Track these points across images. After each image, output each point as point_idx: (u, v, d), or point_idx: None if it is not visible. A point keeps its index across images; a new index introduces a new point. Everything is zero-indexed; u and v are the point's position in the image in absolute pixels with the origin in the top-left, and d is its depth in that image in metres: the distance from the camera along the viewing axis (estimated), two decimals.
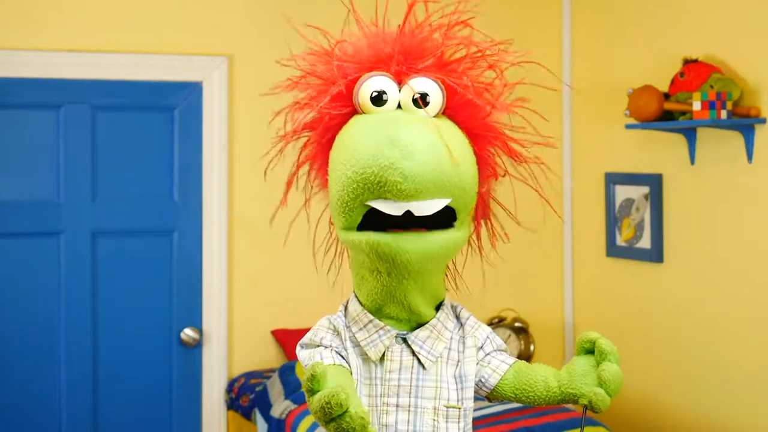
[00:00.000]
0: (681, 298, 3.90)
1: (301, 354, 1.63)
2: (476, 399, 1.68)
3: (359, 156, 1.46)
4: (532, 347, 4.32)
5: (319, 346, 1.60)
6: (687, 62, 3.67)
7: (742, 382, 3.63)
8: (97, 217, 3.97)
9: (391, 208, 1.46)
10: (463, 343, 1.63)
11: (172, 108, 4.06)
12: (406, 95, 1.53)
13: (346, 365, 1.57)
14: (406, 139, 1.43)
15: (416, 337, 1.59)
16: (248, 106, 4.13)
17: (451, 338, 1.63)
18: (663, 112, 3.74)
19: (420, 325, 1.61)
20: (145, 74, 4.01)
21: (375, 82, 1.53)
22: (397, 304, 1.57)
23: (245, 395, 3.94)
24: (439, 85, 1.53)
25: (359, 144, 1.47)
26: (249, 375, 4.06)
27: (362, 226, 1.51)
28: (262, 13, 4.16)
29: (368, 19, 1.63)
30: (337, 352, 1.58)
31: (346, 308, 1.65)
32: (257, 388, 3.90)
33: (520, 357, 4.28)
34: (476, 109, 1.57)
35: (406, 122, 1.47)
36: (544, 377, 1.63)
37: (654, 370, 4.06)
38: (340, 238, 1.57)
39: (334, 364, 1.55)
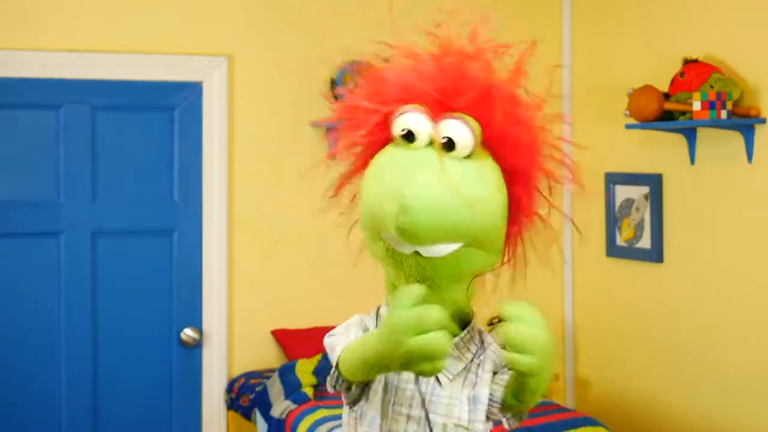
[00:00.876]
0: (681, 298, 3.91)
1: (329, 340, 1.62)
2: (494, 423, 1.68)
3: (370, 195, 1.51)
4: None
5: (346, 336, 1.61)
6: (687, 62, 3.67)
7: (742, 382, 3.64)
8: (97, 217, 3.96)
9: (402, 247, 1.50)
10: (482, 367, 1.64)
11: (172, 108, 4.06)
12: (436, 135, 1.51)
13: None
14: (408, 193, 1.45)
15: None
16: (248, 106, 4.13)
17: (472, 360, 1.63)
18: (663, 112, 3.74)
19: None
20: (145, 74, 4.00)
21: (407, 118, 1.52)
22: None
23: (245, 395, 3.94)
24: (469, 126, 1.51)
25: (373, 183, 1.52)
26: (249, 375, 4.06)
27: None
28: (262, 13, 4.16)
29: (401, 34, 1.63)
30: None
31: (377, 313, 1.67)
32: (257, 388, 3.90)
33: None
34: (514, 145, 1.56)
35: (417, 171, 1.48)
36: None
37: (654, 370, 4.06)
38: (369, 249, 1.60)
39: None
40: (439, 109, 1.53)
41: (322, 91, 4.10)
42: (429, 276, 1.53)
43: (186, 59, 4.05)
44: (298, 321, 4.18)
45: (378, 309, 1.68)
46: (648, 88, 3.77)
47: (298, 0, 4.20)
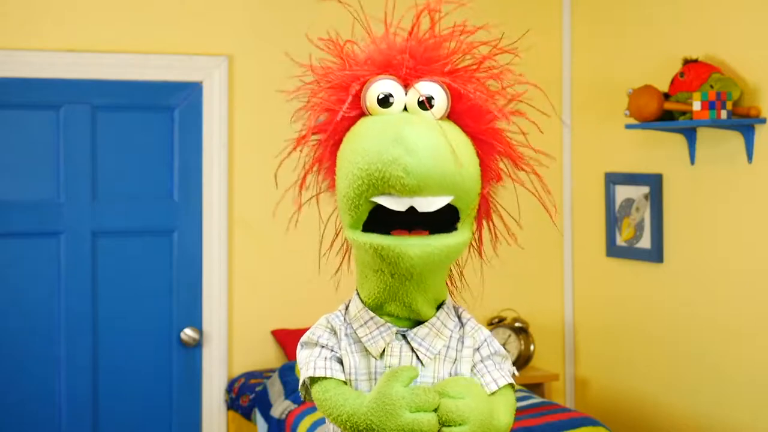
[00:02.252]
0: (681, 298, 3.91)
1: (301, 354, 1.68)
2: None
3: (365, 153, 1.51)
4: (532, 347, 4.32)
5: (316, 344, 1.65)
6: (687, 62, 3.67)
7: (742, 382, 3.64)
8: (97, 217, 3.97)
9: (395, 204, 1.50)
10: (462, 342, 1.66)
11: (172, 108, 4.06)
12: (412, 98, 1.57)
13: (341, 374, 1.62)
14: (409, 136, 1.48)
15: (415, 334, 1.62)
16: (248, 106, 4.13)
17: (451, 336, 1.65)
18: (663, 112, 3.74)
19: (419, 323, 1.64)
20: (145, 74, 4.01)
21: (382, 85, 1.58)
22: (399, 303, 1.61)
23: (245, 395, 3.94)
24: (444, 90, 1.57)
25: (365, 142, 1.52)
26: (249, 375, 4.06)
27: (367, 227, 1.55)
28: (262, 13, 4.16)
29: (374, 23, 1.66)
30: (333, 357, 1.63)
31: (347, 307, 1.69)
32: (257, 388, 3.90)
33: (520, 357, 4.28)
34: (480, 115, 1.60)
35: (411, 122, 1.52)
36: None
37: (654, 370, 4.06)
38: (347, 236, 1.61)
39: (332, 379, 1.61)
40: (409, 79, 1.58)
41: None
42: (414, 268, 1.54)
43: (186, 59, 4.05)
44: (298, 321, 4.18)
45: (347, 305, 1.69)
46: (648, 88, 3.77)
47: (299, 1, 4.20)
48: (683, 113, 3.69)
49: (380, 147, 1.49)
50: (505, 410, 1.61)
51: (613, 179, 4.24)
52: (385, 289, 1.59)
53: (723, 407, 3.72)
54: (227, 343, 4.13)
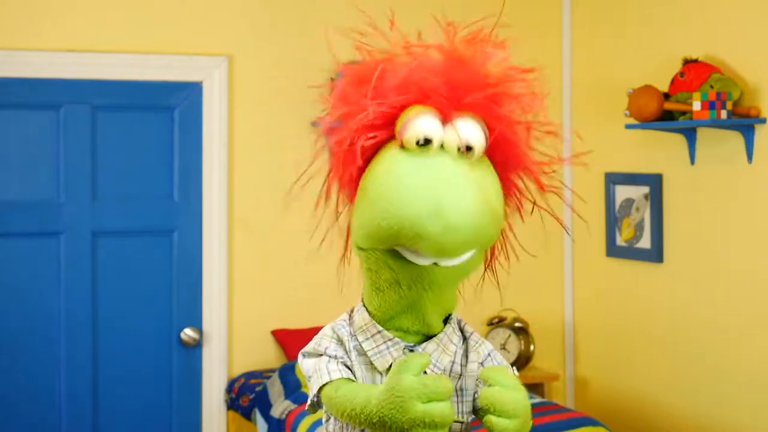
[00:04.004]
0: (681, 298, 3.91)
1: (305, 363, 1.62)
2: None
3: (398, 212, 1.44)
4: (532, 347, 4.32)
5: (322, 355, 1.60)
6: (687, 62, 3.67)
7: (742, 382, 3.64)
8: (97, 217, 3.97)
9: (419, 259, 1.49)
10: (466, 357, 1.64)
11: (172, 108, 4.06)
12: (449, 138, 1.49)
13: (353, 378, 1.58)
14: (451, 212, 1.42)
15: (424, 349, 1.59)
16: (248, 106, 4.13)
17: (456, 352, 1.63)
18: (663, 112, 3.74)
19: (426, 337, 1.61)
20: (145, 74, 4.01)
21: (423, 124, 1.48)
22: (412, 316, 1.58)
23: (245, 395, 3.94)
24: (483, 130, 1.50)
25: (401, 197, 1.45)
26: (249, 375, 4.06)
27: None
28: (262, 13, 4.16)
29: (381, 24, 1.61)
30: (343, 363, 1.59)
31: (350, 317, 1.65)
32: (257, 388, 3.90)
33: (520, 357, 4.28)
34: (513, 145, 1.55)
35: (454, 189, 1.44)
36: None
37: (654, 370, 4.06)
38: (360, 254, 1.57)
39: (344, 378, 1.56)
40: (444, 107, 1.50)
41: (323, 91, 4.10)
42: (435, 281, 1.53)
43: (186, 59, 4.05)
44: (298, 321, 4.18)
45: (351, 313, 1.65)
46: (648, 88, 3.77)
47: (299, 1, 4.20)
48: (683, 113, 3.69)
49: (416, 212, 1.42)
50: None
51: (613, 179, 4.24)
52: (399, 302, 1.56)
53: (723, 407, 3.72)
54: (227, 343, 4.13)
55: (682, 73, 3.67)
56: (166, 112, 4.06)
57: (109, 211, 3.99)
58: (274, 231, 4.16)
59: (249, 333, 4.16)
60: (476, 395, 1.64)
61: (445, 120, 1.50)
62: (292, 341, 4.10)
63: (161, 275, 4.06)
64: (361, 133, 1.52)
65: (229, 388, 4.07)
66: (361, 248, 1.55)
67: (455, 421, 1.59)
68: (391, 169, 1.49)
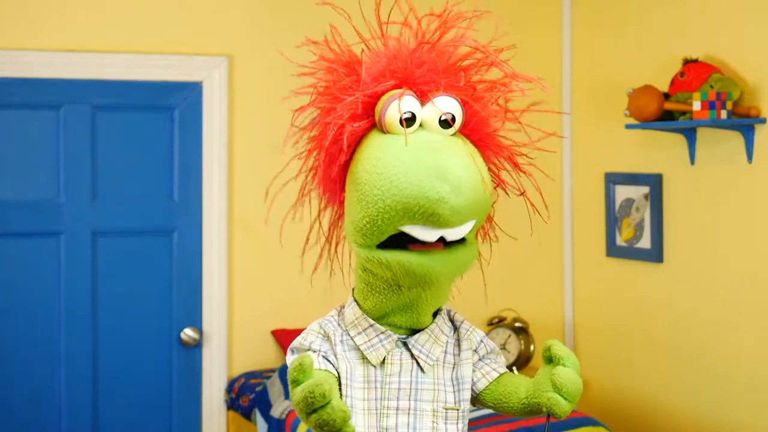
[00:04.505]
0: (681, 298, 3.91)
1: (290, 359, 1.65)
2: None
3: (401, 186, 1.46)
4: (532, 347, 4.32)
5: (308, 350, 1.63)
6: (687, 62, 3.67)
7: (742, 382, 3.64)
8: (97, 217, 3.97)
9: (428, 235, 1.49)
10: (459, 346, 1.67)
11: (172, 108, 4.06)
12: (429, 114, 1.53)
13: (334, 371, 1.59)
14: (453, 173, 1.46)
15: (416, 341, 1.62)
16: (248, 106, 4.13)
17: (447, 342, 1.66)
18: (663, 112, 3.74)
19: (416, 330, 1.63)
20: (145, 74, 4.01)
21: (405, 103, 1.52)
22: (407, 314, 1.60)
23: (245, 395, 3.94)
24: (460, 104, 1.55)
25: (397, 170, 1.48)
26: (249, 375, 4.06)
27: (383, 243, 1.54)
28: (262, 13, 4.16)
29: (372, 22, 1.64)
30: (324, 357, 1.61)
31: (339, 312, 1.67)
32: (257, 388, 3.90)
33: (520, 357, 4.28)
34: (486, 125, 1.60)
35: (448, 154, 1.49)
36: (516, 388, 1.65)
37: (654, 370, 4.06)
38: (360, 255, 1.58)
39: (320, 369, 1.58)
40: (420, 90, 1.55)
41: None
42: (434, 280, 1.54)
43: (186, 59, 4.05)
44: (298, 321, 4.18)
45: (340, 309, 1.68)
46: (648, 88, 3.77)
47: (299, 1, 4.20)
48: (683, 113, 3.69)
49: (421, 182, 1.45)
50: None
51: (613, 179, 4.24)
52: (396, 301, 1.58)
53: (723, 407, 3.72)
54: (227, 343, 4.13)
55: (682, 73, 3.67)
56: (166, 112, 4.06)
57: (109, 211, 3.99)
58: (274, 231, 4.15)
59: (249, 333, 4.16)
60: (474, 377, 1.67)
61: (423, 101, 1.54)
62: (292, 341, 4.09)
63: (161, 275, 4.06)
64: (347, 122, 1.56)
65: (229, 388, 4.07)
66: (361, 246, 1.55)
67: (451, 409, 1.61)
68: (381, 152, 1.52)
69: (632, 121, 3.89)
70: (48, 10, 3.88)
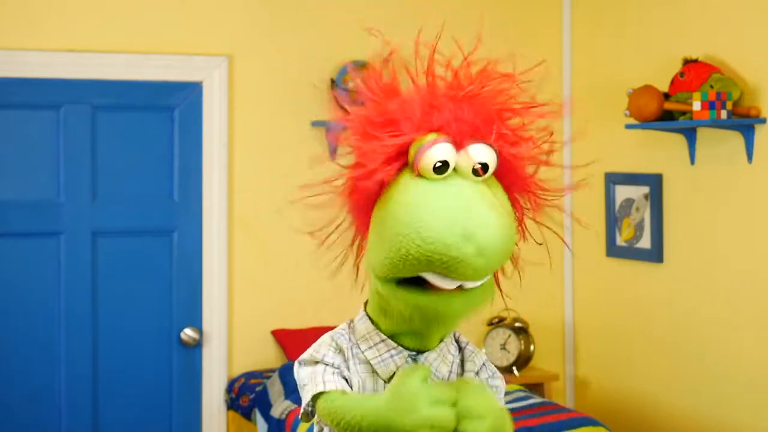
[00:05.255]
0: (681, 298, 3.91)
1: (301, 372, 1.64)
2: None
3: (427, 237, 1.46)
4: (532, 347, 4.32)
5: (319, 362, 1.61)
6: (687, 62, 3.67)
7: (742, 382, 3.64)
8: (97, 217, 3.96)
9: (445, 283, 1.50)
10: (462, 366, 1.69)
11: (172, 108, 4.06)
12: (464, 162, 1.52)
13: (348, 388, 1.59)
14: (481, 236, 1.45)
15: (425, 359, 1.63)
16: (248, 106, 4.13)
17: (453, 362, 1.68)
18: (663, 112, 3.74)
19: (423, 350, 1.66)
20: (145, 74, 4.01)
21: (440, 151, 1.51)
22: (416, 339, 1.62)
23: (245, 395, 3.94)
24: (495, 152, 1.54)
25: (425, 220, 1.47)
26: (249, 375, 4.06)
27: (400, 281, 1.54)
28: (262, 13, 4.16)
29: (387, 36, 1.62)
30: (339, 374, 1.60)
31: (350, 326, 1.67)
32: (257, 388, 3.90)
33: (520, 357, 4.28)
34: (519, 168, 1.60)
35: (478, 212, 1.48)
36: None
37: (654, 370, 4.06)
38: (378, 287, 1.58)
39: (339, 390, 1.57)
40: (456, 136, 1.53)
41: (323, 90, 4.11)
42: (446, 317, 1.56)
43: (186, 59, 4.05)
44: (298, 321, 4.18)
45: (351, 323, 1.67)
46: (648, 88, 3.77)
47: (298, 1, 4.20)
48: (683, 113, 3.69)
49: (446, 237, 1.45)
50: (511, 421, 1.61)
51: (613, 179, 4.24)
52: (407, 329, 1.60)
53: (723, 407, 3.72)
54: (227, 343, 4.13)
55: (682, 73, 3.67)
56: (166, 112, 4.06)
57: (109, 211, 3.98)
58: (274, 231, 4.15)
59: (249, 333, 4.16)
60: None
61: (458, 147, 1.52)
62: (292, 341, 4.10)
63: (161, 275, 4.06)
64: (380, 168, 1.54)
65: (229, 388, 4.07)
66: (380, 278, 1.56)
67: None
68: (412, 198, 1.51)
69: (632, 121, 3.89)
70: (48, 10, 3.88)
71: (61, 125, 3.91)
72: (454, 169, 1.52)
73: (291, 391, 3.69)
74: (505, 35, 4.28)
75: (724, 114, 3.47)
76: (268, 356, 4.18)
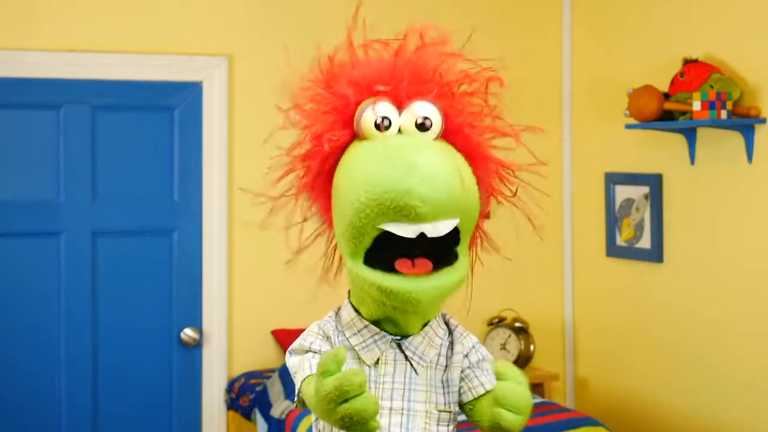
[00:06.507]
0: (681, 298, 3.91)
1: (291, 361, 1.68)
2: None
3: (374, 182, 1.49)
4: (532, 347, 4.32)
5: (308, 351, 1.65)
6: (687, 62, 3.67)
7: (742, 382, 3.64)
8: (97, 217, 3.97)
9: (406, 231, 1.50)
10: (452, 349, 1.68)
11: (172, 108, 4.06)
12: (406, 120, 1.56)
13: None
14: (423, 164, 1.48)
15: (410, 343, 1.64)
16: (248, 106, 4.13)
17: (441, 344, 1.68)
18: (663, 112, 3.75)
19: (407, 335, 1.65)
20: (145, 74, 4.01)
21: (379, 108, 1.55)
22: (395, 326, 1.63)
23: (245, 395, 3.94)
24: (438, 109, 1.57)
25: (373, 170, 1.50)
26: (249, 375, 4.06)
27: (369, 259, 1.54)
28: (262, 13, 4.16)
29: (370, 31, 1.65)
30: None
31: (337, 313, 1.70)
32: (257, 388, 3.90)
33: (520, 357, 4.28)
34: (472, 134, 1.61)
35: (420, 148, 1.51)
36: (488, 406, 1.63)
37: (654, 370, 4.06)
38: (348, 267, 1.60)
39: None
40: (401, 100, 1.57)
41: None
42: (420, 303, 1.55)
43: (186, 59, 4.05)
44: (298, 321, 4.17)
45: (337, 311, 1.70)
46: (648, 88, 3.77)
47: (298, 1, 4.20)
48: (683, 113, 3.69)
49: (392, 175, 1.47)
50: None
51: (613, 179, 4.24)
52: (383, 314, 1.61)
53: (723, 407, 3.72)
54: (227, 343, 4.13)
55: (682, 73, 3.67)
56: (166, 112, 4.06)
57: (109, 211, 3.99)
58: (274, 231, 4.15)
59: (249, 333, 4.16)
60: (462, 387, 1.68)
61: (401, 107, 1.57)
62: (292, 341, 4.07)
63: (161, 275, 4.06)
64: (326, 132, 1.60)
65: (229, 388, 4.07)
66: (350, 257, 1.58)
67: (443, 411, 1.62)
68: (356, 155, 1.56)
69: (632, 121, 3.89)
70: (48, 10, 3.88)
71: (61, 125, 3.91)
72: (399, 130, 1.56)
73: (291, 391, 3.69)
74: (505, 35, 4.29)
75: (724, 114, 3.47)
76: (268, 356, 4.18)
